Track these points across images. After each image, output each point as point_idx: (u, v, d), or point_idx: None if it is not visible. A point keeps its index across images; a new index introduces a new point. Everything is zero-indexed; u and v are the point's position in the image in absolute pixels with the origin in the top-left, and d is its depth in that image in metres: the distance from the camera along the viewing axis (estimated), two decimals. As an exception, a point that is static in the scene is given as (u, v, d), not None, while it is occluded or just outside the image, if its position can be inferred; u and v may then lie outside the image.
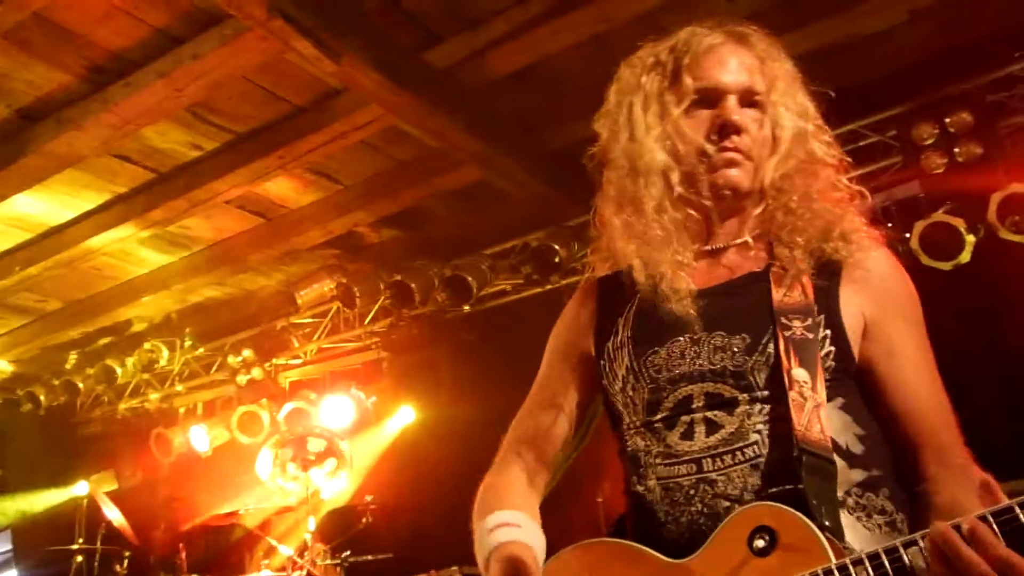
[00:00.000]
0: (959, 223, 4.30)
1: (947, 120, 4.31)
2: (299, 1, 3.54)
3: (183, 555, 5.55)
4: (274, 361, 6.91)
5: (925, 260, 4.35)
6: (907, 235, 4.42)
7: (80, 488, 6.87)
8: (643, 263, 1.57)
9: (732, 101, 1.54)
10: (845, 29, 4.12)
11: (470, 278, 5.60)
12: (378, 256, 6.13)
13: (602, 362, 1.63)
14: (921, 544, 1.18)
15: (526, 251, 5.58)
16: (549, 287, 5.63)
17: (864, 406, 1.50)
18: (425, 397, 6.45)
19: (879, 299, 1.52)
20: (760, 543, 1.32)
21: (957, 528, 1.15)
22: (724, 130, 1.52)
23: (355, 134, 4.72)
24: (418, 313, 6.09)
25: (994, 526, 1.13)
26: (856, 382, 1.51)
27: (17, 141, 4.55)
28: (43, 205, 5.36)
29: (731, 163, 1.52)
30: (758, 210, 1.60)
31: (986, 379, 4.39)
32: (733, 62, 1.56)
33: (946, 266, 4.34)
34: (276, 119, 4.70)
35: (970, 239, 4.29)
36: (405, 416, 6.50)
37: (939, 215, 4.36)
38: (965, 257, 4.30)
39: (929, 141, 4.35)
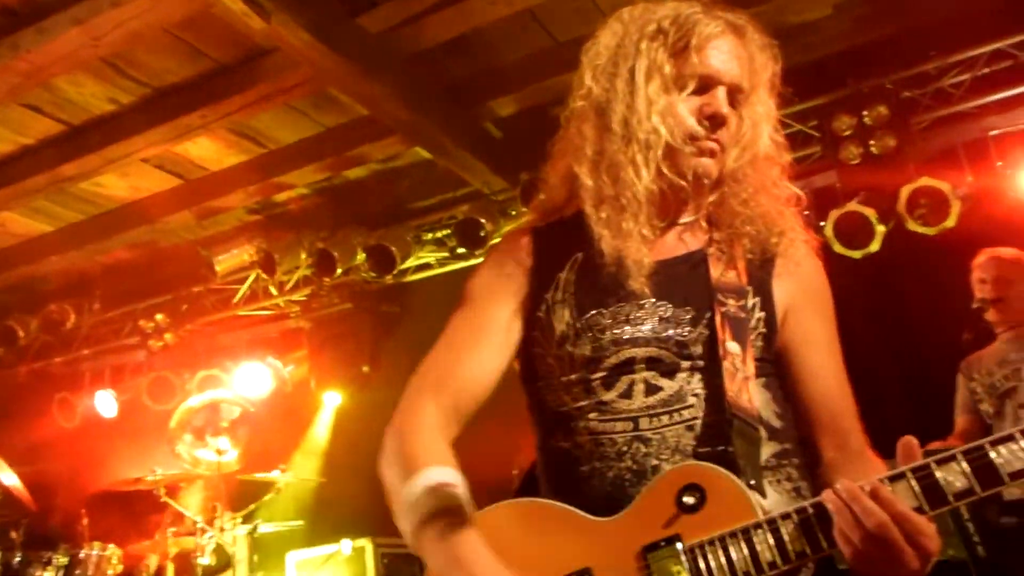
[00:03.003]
0: (871, 213, 4.46)
1: (864, 113, 4.47)
2: (229, -47, 3.43)
3: (85, 521, 5.38)
4: (188, 327, 6.73)
5: (838, 248, 4.51)
6: (822, 223, 4.57)
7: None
8: (611, 231, 1.59)
9: (722, 93, 1.60)
10: (771, 19, 4.17)
11: (394, 249, 5.55)
12: (300, 223, 6.02)
13: (538, 313, 1.64)
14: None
15: (452, 224, 5.56)
16: (474, 261, 5.63)
17: (780, 389, 1.64)
18: (344, 368, 6.39)
19: (802, 291, 1.68)
20: (690, 500, 1.38)
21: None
22: (714, 120, 1.58)
23: (282, 96, 4.61)
24: (340, 283, 6.02)
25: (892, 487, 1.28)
26: (774, 365, 1.64)
27: (-83, 84, 4.31)
28: (-55, 154, 5.11)
29: (712, 152, 1.60)
30: (714, 196, 1.68)
31: (888, 363, 4.59)
32: (731, 56, 1.61)
33: (857, 254, 4.50)
34: (199, 76, 4.55)
35: (880, 229, 4.45)
36: (331, 400, 6.43)
37: (852, 205, 4.51)
38: (875, 246, 4.47)
39: (847, 132, 4.50)
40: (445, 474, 1.46)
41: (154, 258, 6.64)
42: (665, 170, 1.59)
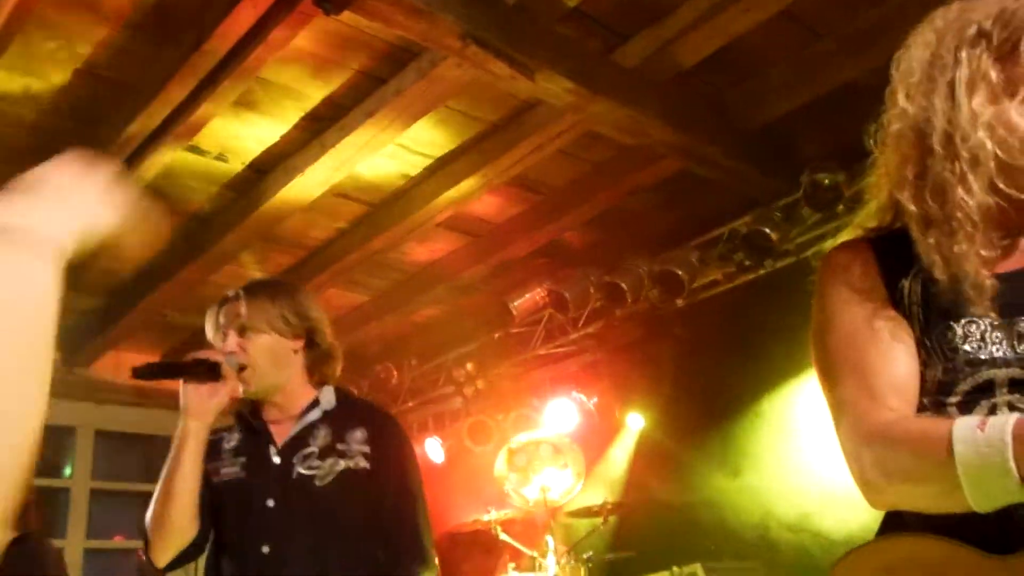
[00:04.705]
0: None
1: None
2: (489, 24, 3.67)
3: (435, 562, 5.86)
4: (495, 371, 7.15)
5: None
6: None
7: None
8: (944, 259, 1.46)
9: None
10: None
11: (680, 271, 5.55)
12: (585, 259, 6.21)
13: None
14: None
15: (735, 238, 5.45)
16: (763, 272, 5.49)
17: None
18: (647, 395, 6.45)
19: None
20: None
21: None
22: None
23: (551, 144, 4.81)
24: (631, 312, 6.11)
25: None
26: None
27: (253, 193, 5.03)
28: (278, 244, 5.89)
29: None
30: None
31: None
32: None
33: None
34: (475, 139, 4.89)
35: None
36: (634, 423, 6.51)
37: None
38: None
39: None
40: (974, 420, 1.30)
41: (457, 312, 7.15)
42: (1000, 184, 1.43)
